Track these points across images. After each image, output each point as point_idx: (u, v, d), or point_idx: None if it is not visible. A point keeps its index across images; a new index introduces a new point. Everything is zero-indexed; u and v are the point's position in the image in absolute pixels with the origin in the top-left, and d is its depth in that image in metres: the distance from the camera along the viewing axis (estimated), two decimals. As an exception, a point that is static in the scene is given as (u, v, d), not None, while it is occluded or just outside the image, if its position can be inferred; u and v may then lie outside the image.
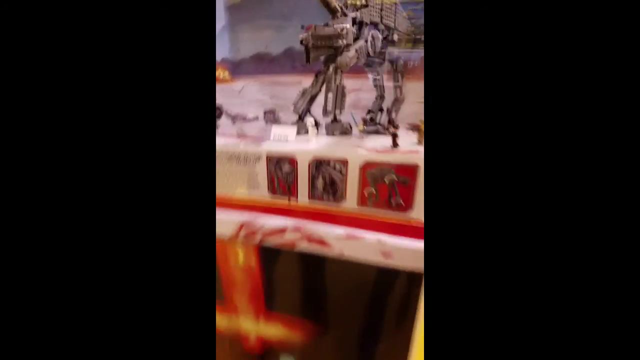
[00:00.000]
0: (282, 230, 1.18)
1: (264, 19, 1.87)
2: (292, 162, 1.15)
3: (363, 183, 1.06)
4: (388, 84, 1.68)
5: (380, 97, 1.75)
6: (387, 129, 1.57)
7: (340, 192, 1.10)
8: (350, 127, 1.43)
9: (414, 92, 1.79)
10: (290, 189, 1.18)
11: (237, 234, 1.20)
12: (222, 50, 1.75)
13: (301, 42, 1.33)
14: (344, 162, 1.07)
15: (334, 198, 1.12)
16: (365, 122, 1.30)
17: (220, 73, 1.90)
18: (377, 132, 1.67)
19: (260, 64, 1.84)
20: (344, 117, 1.40)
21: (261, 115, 1.62)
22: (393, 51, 1.47)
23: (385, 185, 1.03)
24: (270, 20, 1.88)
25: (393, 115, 1.62)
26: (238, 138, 1.41)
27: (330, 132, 1.37)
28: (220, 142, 1.33)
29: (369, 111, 1.75)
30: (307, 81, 1.54)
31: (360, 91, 1.95)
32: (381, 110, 1.74)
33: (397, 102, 1.62)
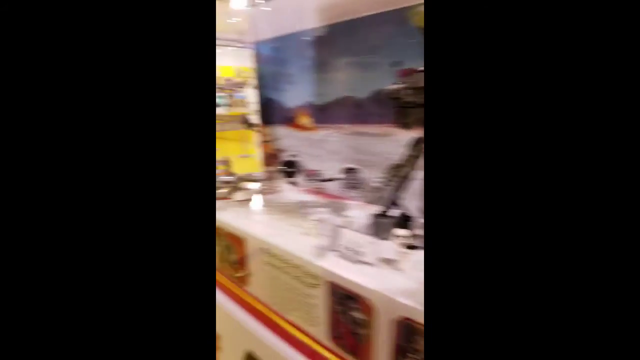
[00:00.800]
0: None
1: (350, 54, 1.49)
2: (366, 307, 0.69)
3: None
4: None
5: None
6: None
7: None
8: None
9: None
10: (357, 350, 0.72)
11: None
12: (307, 92, 1.45)
13: (392, 96, 0.88)
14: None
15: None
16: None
17: (302, 119, 1.60)
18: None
19: (343, 110, 1.45)
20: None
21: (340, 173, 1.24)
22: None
23: None
24: (357, 56, 1.48)
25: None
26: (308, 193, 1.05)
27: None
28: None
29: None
30: (401, 135, 1.08)
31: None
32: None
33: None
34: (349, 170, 1.29)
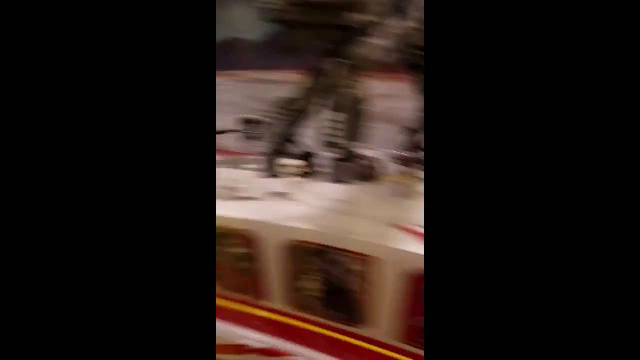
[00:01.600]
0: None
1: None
2: (245, 240, 0.57)
3: (412, 306, 0.49)
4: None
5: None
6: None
7: (358, 312, 0.54)
8: (374, 171, 0.80)
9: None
10: (243, 285, 0.61)
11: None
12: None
13: (275, 18, 0.75)
14: (365, 261, 0.49)
15: (349, 318, 0.56)
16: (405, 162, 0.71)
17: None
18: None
19: (233, 54, 1.24)
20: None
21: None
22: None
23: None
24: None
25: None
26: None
27: (339, 177, 0.79)
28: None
29: (411, 130, 1.12)
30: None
31: (392, 98, 1.25)
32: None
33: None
34: (250, 123, 1.14)
